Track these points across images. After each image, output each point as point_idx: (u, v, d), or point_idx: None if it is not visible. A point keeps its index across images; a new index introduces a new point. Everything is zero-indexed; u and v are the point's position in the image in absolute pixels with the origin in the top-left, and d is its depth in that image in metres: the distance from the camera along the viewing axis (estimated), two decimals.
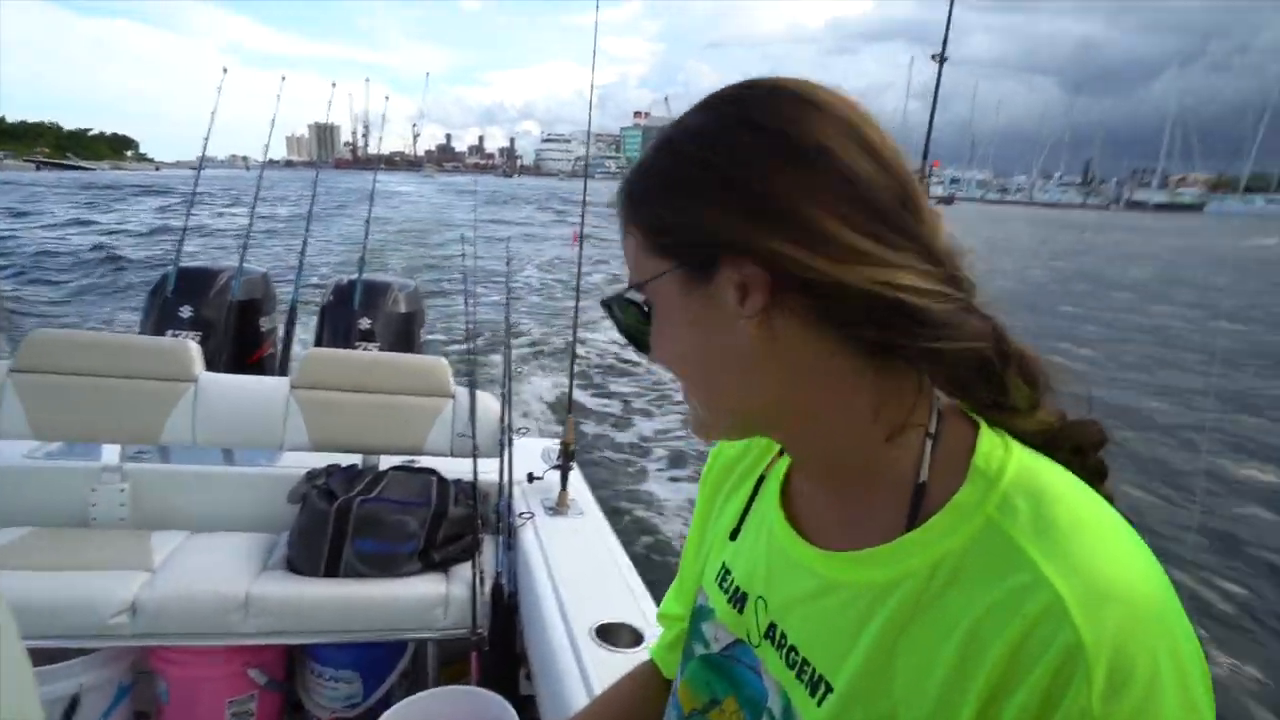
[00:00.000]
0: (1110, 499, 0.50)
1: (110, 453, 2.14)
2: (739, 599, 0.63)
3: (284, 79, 4.12)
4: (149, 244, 16.85)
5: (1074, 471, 0.49)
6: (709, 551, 0.72)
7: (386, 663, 2.03)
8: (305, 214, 4.19)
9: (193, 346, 2.19)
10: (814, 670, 0.52)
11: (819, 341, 0.50)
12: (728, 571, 0.66)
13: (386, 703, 2.05)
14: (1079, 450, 0.52)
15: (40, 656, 1.77)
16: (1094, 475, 0.51)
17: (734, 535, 0.67)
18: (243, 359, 3.41)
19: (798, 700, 0.53)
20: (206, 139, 3.92)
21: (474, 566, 1.94)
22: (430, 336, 4.21)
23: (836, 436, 0.53)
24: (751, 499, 0.68)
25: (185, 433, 2.11)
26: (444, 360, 2.33)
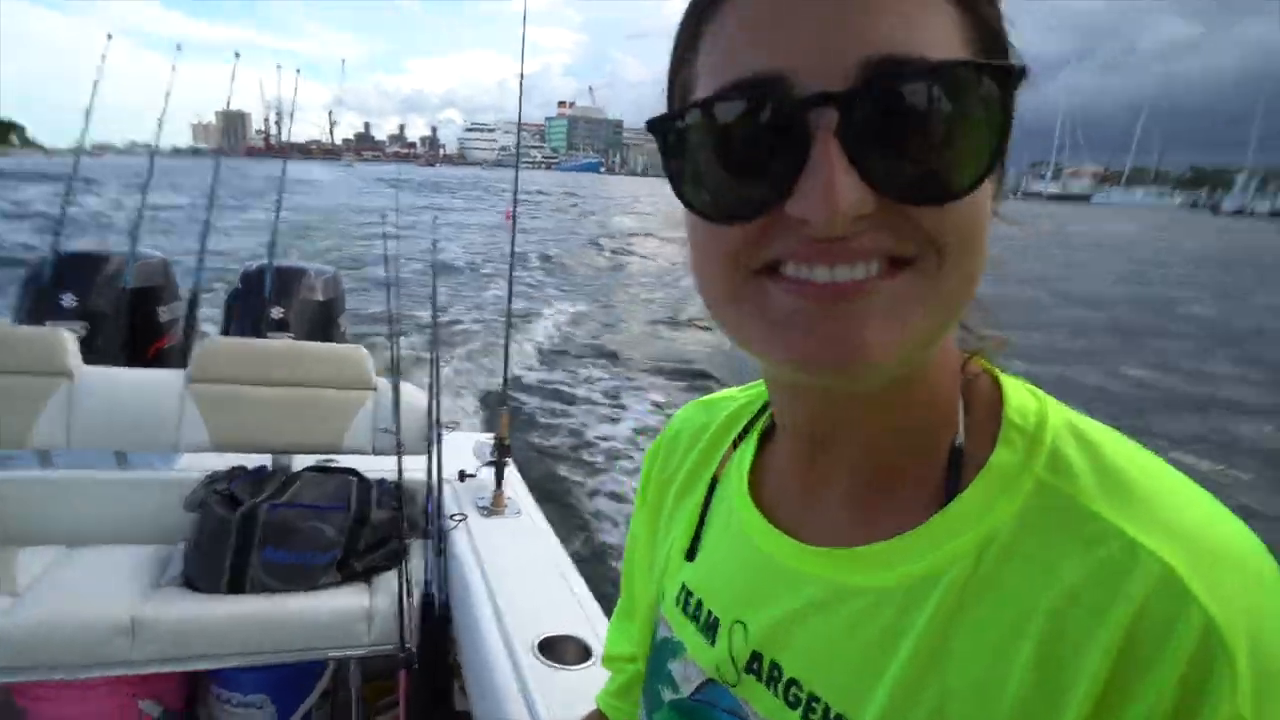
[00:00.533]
0: None
1: None
2: (710, 627, 0.50)
3: (179, 48, 3.77)
4: (33, 230, 15.55)
5: None
6: (663, 573, 0.58)
7: (303, 684, 1.83)
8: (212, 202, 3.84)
9: (66, 336, 1.93)
10: (827, 707, 0.41)
11: None
12: (689, 593, 0.53)
13: None
14: None
15: None
16: None
17: (690, 554, 0.55)
18: (139, 352, 3.09)
19: None
20: (89, 112, 3.55)
21: (401, 575, 1.76)
22: (353, 327, 3.93)
23: (930, 385, 0.42)
24: (705, 507, 0.55)
25: (59, 434, 1.84)
26: (363, 349, 2.13)
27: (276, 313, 3.17)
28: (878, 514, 0.43)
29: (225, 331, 3.22)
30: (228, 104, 4.40)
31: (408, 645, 1.68)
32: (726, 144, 0.35)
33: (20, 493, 1.88)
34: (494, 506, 2.03)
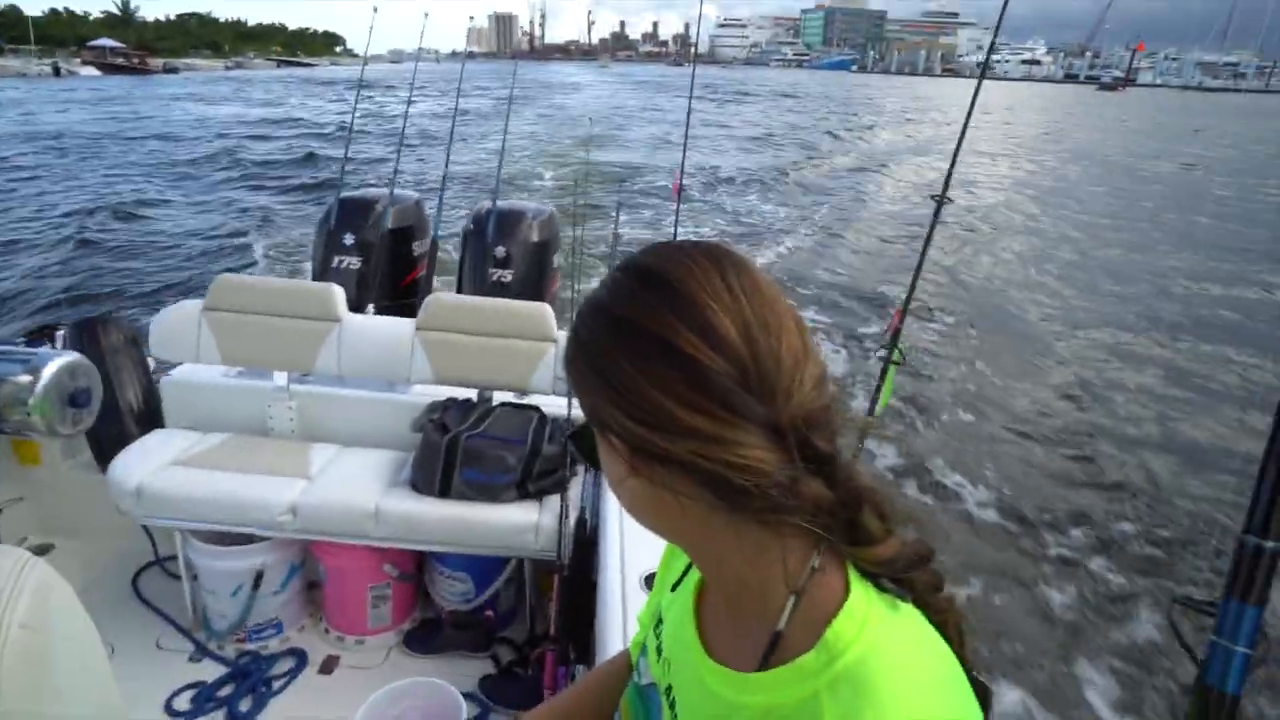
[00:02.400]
0: (951, 608, 0.59)
1: (280, 377, 2.57)
2: (659, 650, 0.73)
3: None
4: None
5: (918, 588, 0.57)
6: (663, 586, 0.82)
7: (493, 571, 2.37)
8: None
9: (336, 290, 2.54)
10: None
11: (691, 499, 0.55)
12: (660, 621, 0.76)
13: (494, 601, 2.41)
14: (922, 560, 0.57)
15: (233, 539, 2.26)
16: (933, 587, 0.59)
17: (674, 587, 0.76)
18: (397, 282, 3.80)
19: None
20: (365, 56, 4.25)
21: (563, 500, 2.19)
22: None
23: (726, 573, 0.60)
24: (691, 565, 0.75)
25: (333, 364, 2.49)
26: (547, 307, 2.53)
27: (499, 252, 3.70)
28: (732, 647, 0.62)
29: (460, 264, 3.83)
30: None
31: (563, 556, 2.12)
32: None
33: (316, 403, 2.58)
34: None
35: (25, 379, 1.02)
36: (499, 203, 3.81)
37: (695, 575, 0.73)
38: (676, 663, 0.69)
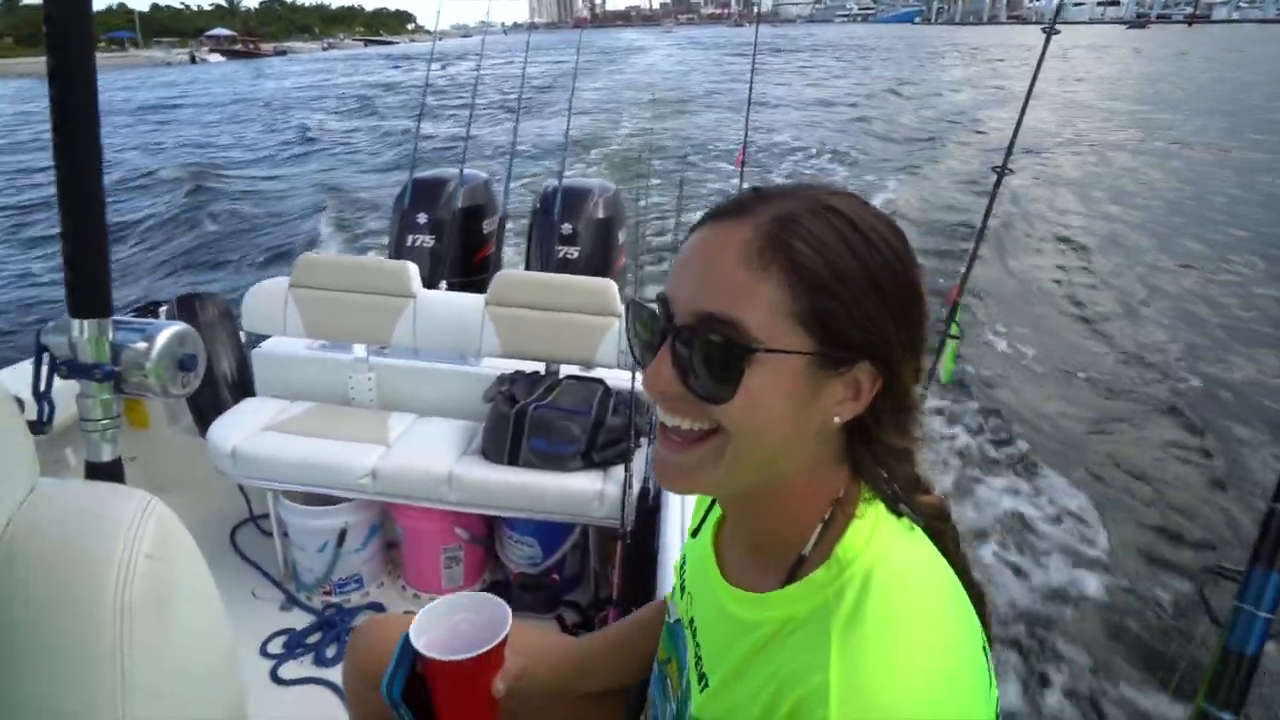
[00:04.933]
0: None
1: (361, 349, 2.72)
2: (683, 588, 0.81)
3: None
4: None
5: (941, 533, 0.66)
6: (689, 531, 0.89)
7: (559, 536, 2.48)
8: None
9: (411, 267, 2.66)
10: (703, 665, 0.71)
11: (844, 436, 0.62)
12: (684, 561, 0.85)
13: (560, 566, 2.52)
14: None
15: (318, 499, 2.43)
16: (939, 514, 0.67)
17: (695, 533, 0.84)
18: (469, 259, 3.92)
19: (693, 682, 0.73)
20: (436, 33, 4.34)
21: (626, 469, 2.27)
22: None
23: (788, 510, 0.64)
24: (710, 507, 0.83)
25: (409, 338, 2.62)
26: (612, 283, 2.60)
27: (566, 229, 3.78)
28: (754, 577, 0.68)
29: (528, 243, 3.93)
30: None
31: (625, 523, 2.20)
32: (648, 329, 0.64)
33: (393, 374, 2.73)
34: None
35: (142, 345, 1.17)
36: (565, 181, 3.89)
37: (714, 516, 0.80)
38: (698, 596, 0.76)
